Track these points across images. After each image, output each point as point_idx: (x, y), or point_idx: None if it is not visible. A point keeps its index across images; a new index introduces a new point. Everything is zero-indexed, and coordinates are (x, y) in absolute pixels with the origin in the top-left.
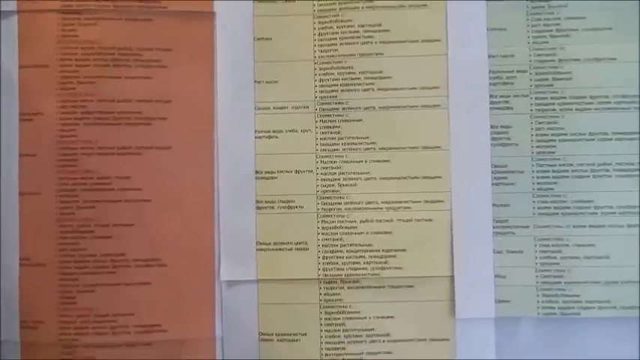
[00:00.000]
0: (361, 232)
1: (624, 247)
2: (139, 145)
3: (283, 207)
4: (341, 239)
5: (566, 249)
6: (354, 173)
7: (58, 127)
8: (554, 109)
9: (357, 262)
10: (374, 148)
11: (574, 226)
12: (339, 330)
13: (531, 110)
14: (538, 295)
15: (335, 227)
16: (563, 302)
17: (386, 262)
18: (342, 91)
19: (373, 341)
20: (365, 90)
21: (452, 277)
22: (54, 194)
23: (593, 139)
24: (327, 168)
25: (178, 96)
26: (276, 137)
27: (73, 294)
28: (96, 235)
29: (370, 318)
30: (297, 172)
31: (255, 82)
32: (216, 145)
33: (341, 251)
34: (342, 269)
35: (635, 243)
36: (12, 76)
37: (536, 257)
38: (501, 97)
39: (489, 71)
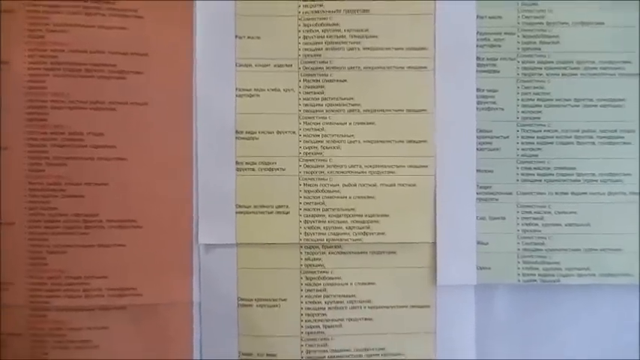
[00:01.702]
0: (344, 197)
1: (605, 215)
2: (112, 99)
3: (264, 169)
4: (323, 203)
5: (548, 216)
6: (337, 135)
7: (26, 78)
8: (540, 74)
9: (339, 227)
10: (358, 110)
11: (556, 193)
12: (319, 296)
13: (518, 74)
14: (519, 262)
15: (317, 191)
16: (544, 269)
17: (368, 228)
18: (326, 49)
19: (354, 307)
20: (350, 49)
21: (434, 244)
22: (22, 149)
23: (579, 105)
24: (309, 129)
25: (155, 49)
26: (258, 96)
27: (44, 255)
28: (67, 194)
29: (351, 284)
30: (278, 132)
31: (236, 37)
32: (195, 102)
33: (323, 215)
34: (324, 234)
35: (615, 211)
36: None
37: (518, 224)
38: (488, 59)
39: (477, 32)
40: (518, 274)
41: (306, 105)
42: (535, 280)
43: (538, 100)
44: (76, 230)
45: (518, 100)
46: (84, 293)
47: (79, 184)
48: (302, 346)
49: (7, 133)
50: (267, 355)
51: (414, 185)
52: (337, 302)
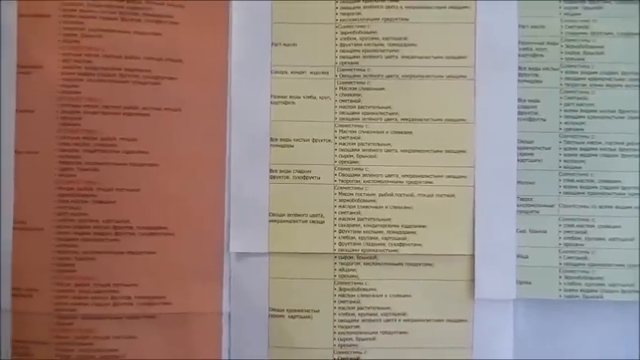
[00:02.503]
0: (380, 206)
1: None
2: (146, 105)
3: (298, 177)
4: (358, 213)
5: (591, 230)
6: (373, 144)
7: (60, 83)
8: (584, 84)
9: (374, 238)
10: (395, 119)
11: (600, 207)
12: (353, 307)
13: (561, 85)
14: (560, 277)
15: (352, 200)
16: (586, 285)
17: (405, 239)
18: (363, 57)
19: (388, 320)
20: (388, 57)
21: (472, 256)
22: (53, 154)
23: (623, 117)
24: (345, 138)
25: (190, 55)
26: (293, 103)
27: (72, 261)
28: (98, 200)
29: (386, 296)
30: (314, 140)
31: (272, 44)
32: (229, 109)
33: (358, 225)
34: (359, 244)
35: None
36: (11, 26)
37: (560, 237)
38: (530, 69)
39: (519, 42)
40: (560, 289)
41: (342, 113)
42: (577, 296)
43: (581, 111)
44: (106, 237)
45: (560, 110)
46: (112, 301)
47: (110, 190)
48: (334, 358)
49: (39, 137)
50: None
51: (453, 196)
52: (371, 314)
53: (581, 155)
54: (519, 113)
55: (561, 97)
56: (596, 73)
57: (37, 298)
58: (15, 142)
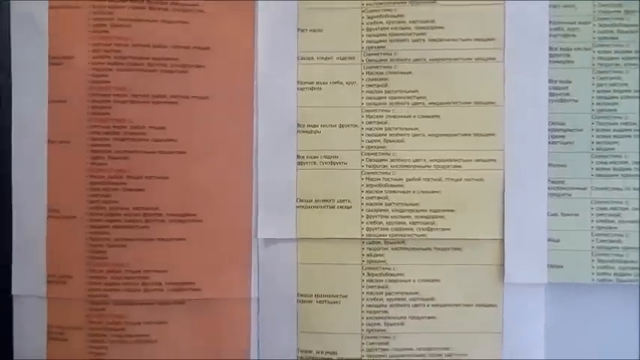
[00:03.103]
0: (407, 191)
1: None
2: (174, 93)
3: (326, 162)
4: (386, 198)
5: (625, 213)
6: (401, 129)
7: (90, 73)
8: (617, 64)
9: (402, 222)
10: (423, 103)
11: (634, 189)
12: (381, 293)
13: (593, 65)
14: (593, 261)
15: (380, 185)
16: (620, 268)
17: (433, 223)
18: (390, 41)
19: (417, 305)
20: (415, 40)
21: (502, 241)
22: (85, 143)
23: None
24: (372, 123)
25: (217, 43)
26: (320, 89)
27: (104, 248)
28: (128, 188)
29: (414, 281)
30: (341, 126)
31: (298, 30)
32: (256, 96)
33: (386, 210)
34: (387, 229)
35: None
36: (42, 17)
37: (592, 221)
38: (561, 49)
39: (549, 22)
40: (592, 273)
41: (369, 98)
42: (610, 280)
43: (614, 91)
44: (137, 224)
45: (593, 91)
46: (143, 287)
47: (140, 178)
48: (362, 344)
49: (70, 126)
50: (327, 352)
51: (482, 180)
52: (399, 299)
53: (614, 137)
54: (550, 95)
55: (594, 78)
56: (630, 52)
57: (71, 285)
58: (47, 132)
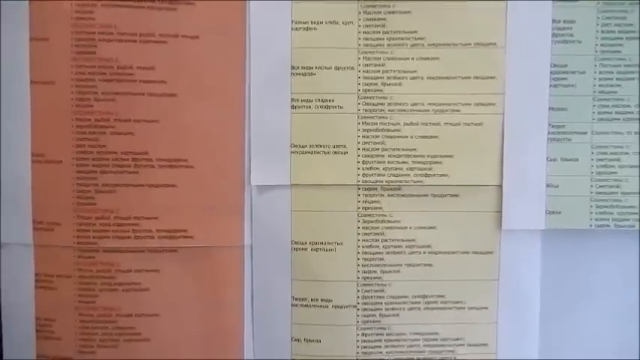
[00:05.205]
0: (405, 136)
1: None
2: (163, 32)
3: (321, 106)
4: (383, 143)
5: (625, 157)
6: (399, 71)
7: (74, 8)
8: (622, 3)
9: (399, 168)
10: (422, 44)
11: (635, 133)
12: (377, 240)
13: (598, 4)
14: (591, 207)
15: (377, 130)
16: (618, 214)
17: (430, 169)
18: None
19: (413, 252)
20: None
21: (500, 187)
22: (69, 84)
23: None
24: (369, 65)
25: None
26: (315, 29)
27: (92, 194)
28: (116, 131)
29: (411, 228)
30: (336, 68)
31: None
32: (249, 35)
33: (382, 156)
34: (383, 175)
35: None
36: None
37: (592, 166)
38: None
39: None
40: (591, 219)
41: (366, 39)
42: (609, 226)
43: (619, 32)
44: (126, 169)
45: (597, 32)
46: (133, 234)
47: (129, 121)
48: (358, 291)
49: (54, 67)
50: (322, 300)
51: (481, 124)
52: (395, 247)
53: (617, 79)
54: (553, 35)
55: (598, 17)
56: None
57: (59, 232)
58: (30, 72)
